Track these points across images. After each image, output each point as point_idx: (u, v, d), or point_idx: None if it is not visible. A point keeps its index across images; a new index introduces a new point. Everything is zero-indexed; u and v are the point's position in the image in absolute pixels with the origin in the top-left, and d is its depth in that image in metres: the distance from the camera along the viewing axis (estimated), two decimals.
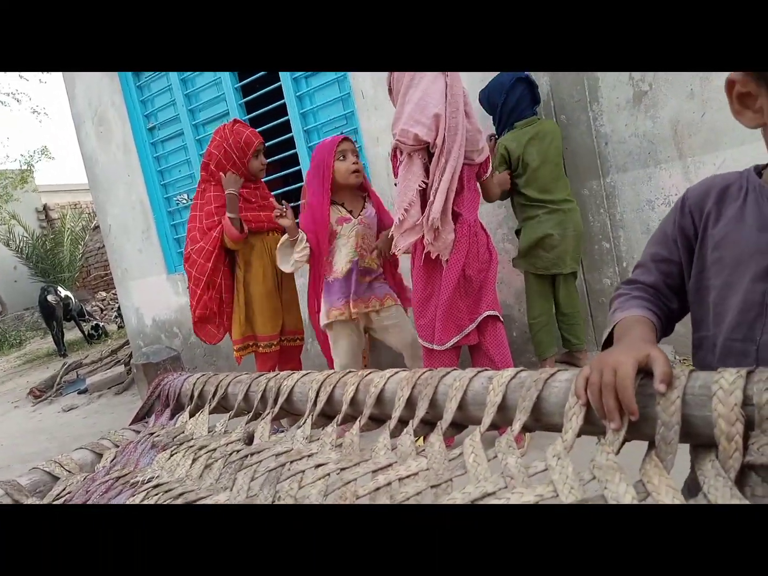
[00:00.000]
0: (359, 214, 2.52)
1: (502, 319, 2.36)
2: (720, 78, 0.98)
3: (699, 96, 2.43)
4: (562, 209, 2.55)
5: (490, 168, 2.33)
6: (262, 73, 3.73)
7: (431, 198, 2.10)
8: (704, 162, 2.47)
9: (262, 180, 2.86)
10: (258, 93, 3.80)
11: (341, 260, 2.49)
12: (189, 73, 4.12)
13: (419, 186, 2.10)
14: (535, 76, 2.79)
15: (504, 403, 0.67)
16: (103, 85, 4.53)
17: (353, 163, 2.45)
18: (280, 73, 3.65)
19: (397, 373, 0.84)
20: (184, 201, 4.28)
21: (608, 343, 0.80)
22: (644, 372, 0.59)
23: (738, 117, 0.70)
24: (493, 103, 2.64)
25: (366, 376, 0.87)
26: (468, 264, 2.20)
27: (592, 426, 0.60)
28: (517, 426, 0.64)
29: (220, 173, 2.63)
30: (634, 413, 0.55)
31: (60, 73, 5.06)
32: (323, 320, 2.54)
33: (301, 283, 3.04)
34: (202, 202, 2.69)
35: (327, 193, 2.45)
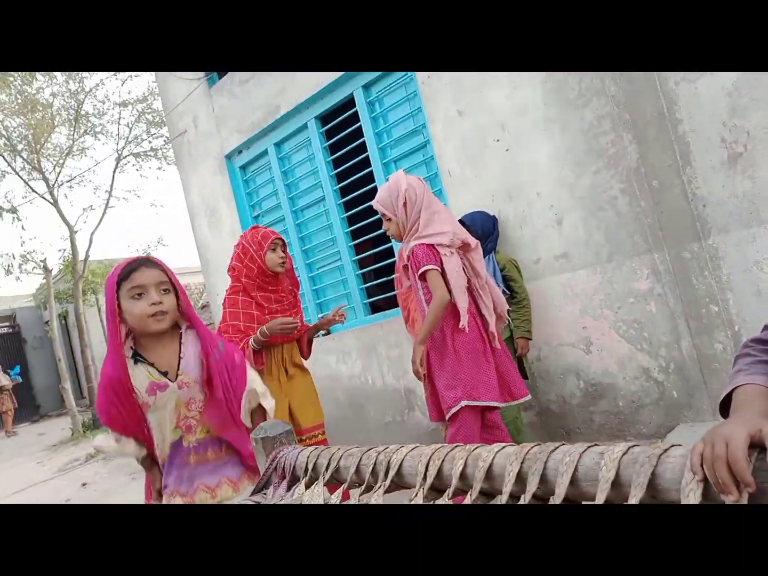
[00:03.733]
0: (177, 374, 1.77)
1: None
2: None
3: None
4: None
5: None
6: (356, 159, 4.01)
7: (487, 291, 2.49)
8: None
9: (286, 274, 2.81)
10: (351, 179, 4.07)
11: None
12: (289, 164, 4.50)
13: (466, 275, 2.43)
14: (621, 144, 2.82)
15: (617, 479, 0.68)
16: (215, 181, 5.03)
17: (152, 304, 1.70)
18: (371, 158, 3.90)
19: (504, 448, 0.86)
20: None
21: (724, 403, 0.78)
22: (761, 447, 0.59)
23: None
24: (487, 230, 3.17)
25: (474, 450, 0.90)
26: None
27: (709, 501, 0.60)
28: (633, 502, 0.64)
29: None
30: (750, 485, 0.55)
31: (176, 170, 5.68)
32: None
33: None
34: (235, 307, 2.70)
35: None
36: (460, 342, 2.36)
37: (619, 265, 2.94)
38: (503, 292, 3.03)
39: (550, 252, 3.18)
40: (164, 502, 1.75)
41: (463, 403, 2.29)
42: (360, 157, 4.01)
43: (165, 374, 1.74)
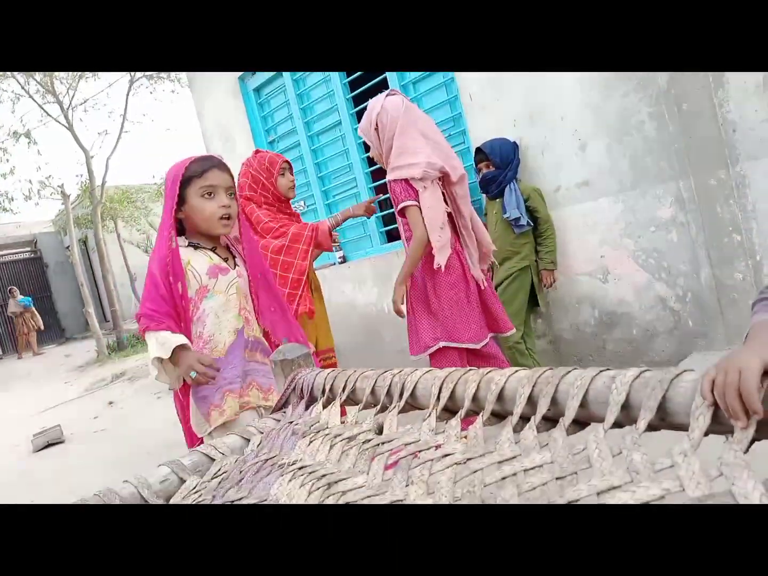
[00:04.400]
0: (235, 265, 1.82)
1: None
2: None
3: None
4: None
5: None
6: (372, 82, 3.87)
7: (470, 229, 2.40)
8: None
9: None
10: (367, 103, 3.94)
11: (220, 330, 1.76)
12: (304, 86, 4.37)
13: (446, 209, 2.27)
14: None
15: (627, 402, 0.69)
16: (228, 104, 4.92)
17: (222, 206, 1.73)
18: (389, 80, 3.76)
19: (516, 371, 0.88)
20: (302, 208, 4.54)
21: None
22: None
23: None
24: (506, 158, 3.06)
25: (487, 373, 0.92)
26: None
27: (719, 425, 0.61)
28: (642, 424, 0.66)
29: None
30: (757, 412, 0.56)
31: (189, 93, 5.55)
32: (202, 429, 1.73)
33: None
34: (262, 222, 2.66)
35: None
36: (440, 281, 2.32)
37: (642, 193, 2.87)
38: (528, 223, 2.99)
39: (572, 180, 3.10)
40: (212, 407, 1.70)
41: (441, 343, 2.33)
42: (377, 79, 3.86)
43: (225, 260, 1.78)
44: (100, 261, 11.19)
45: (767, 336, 0.72)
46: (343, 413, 1.10)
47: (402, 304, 2.38)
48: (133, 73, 11.41)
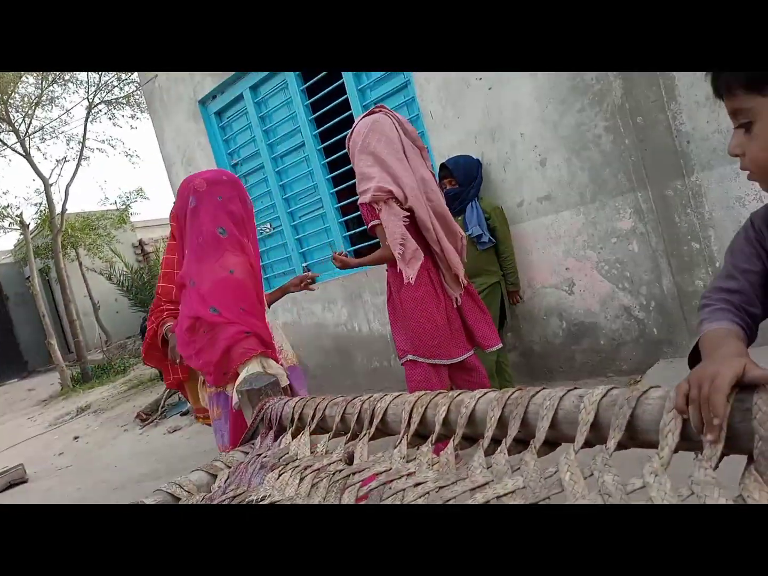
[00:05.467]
0: None
1: None
2: None
3: None
4: None
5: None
6: (335, 102, 3.88)
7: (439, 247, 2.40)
8: None
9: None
10: (331, 123, 3.95)
11: None
12: (266, 109, 4.36)
13: (404, 221, 2.32)
14: (606, 80, 2.75)
15: (597, 421, 0.68)
16: (189, 128, 4.87)
17: None
18: (351, 101, 3.78)
19: (486, 393, 0.87)
20: (268, 230, 4.50)
21: (694, 354, 0.80)
22: (740, 386, 0.59)
23: None
24: (469, 175, 3.10)
25: (456, 397, 0.91)
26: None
27: (688, 442, 0.60)
28: (611, 444, 0.65)
29: None
30: (717, 416, 0.55)
31: (149, 119, 5.48)
32: None
33: None
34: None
35: None
36: (406, 296, 2.36)
37: (602, 205, 2.93)
38: (489, 240, 3.01)
39: (534, 194, 3.15)
40: None
41: (409, 357, 2.38)
42: (339, 100, 3.88)
43: None
44: (62, 291, 10.90)
45: (730, 348, 0.73)
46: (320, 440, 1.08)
47: (340, 265, 2.50)
48: (91, 99, 11.25)
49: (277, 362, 1.74)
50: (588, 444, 0.70)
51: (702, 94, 2.51)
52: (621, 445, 0.67)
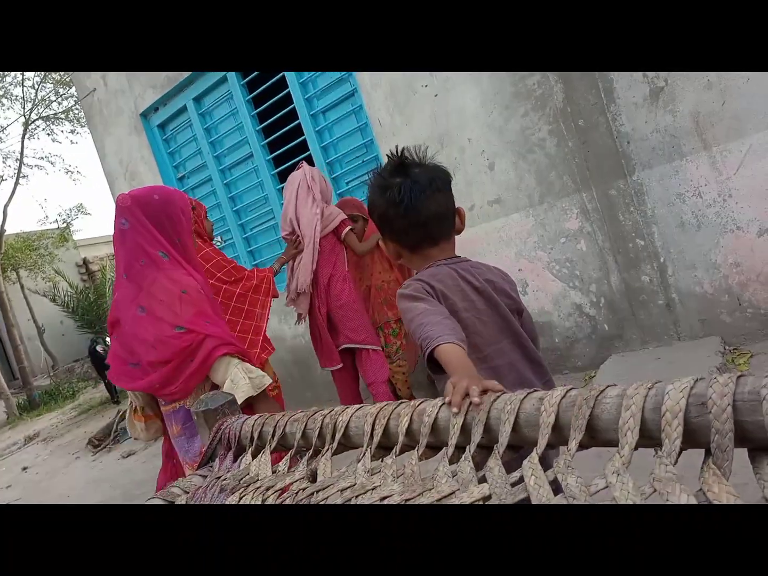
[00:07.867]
0: None
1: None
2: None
3: (717, 86, 2.41)
4: None
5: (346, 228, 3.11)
6: (282, 112, 3.85)
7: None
8: (730, 150, 2.44)
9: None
10: (279, 133, 3.91)
11: None
12: (211, 120, 4.28)
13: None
14: (547, 84, 2.82)
15: (558, 423, 0.69)
16: (131, 142, 4.73)
17: None
18: (298, 110, 3.76)
19: None
20: (219, 243, 4.41)
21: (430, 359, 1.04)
22: (695, 381, 0.60)
23: None
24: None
25: (418, 405, 0.90)
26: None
27: (647, 440, 0.61)
28: (573, 445, 0.65)
29: None
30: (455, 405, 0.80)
31: (89, 134, 5.30)
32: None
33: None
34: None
35: None
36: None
37: (550, 207, 2.99)
38: None
39: (484, 198, 3.19)
40: None
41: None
42: (286, 110, 3.85)
43: None
44: (4, 315, 10.40)
45: (466, 367, 0.98)
46: (279, 458, 1.05)
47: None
48: (28, 115, 10.82)
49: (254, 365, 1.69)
50: (550, 445, 0.71)
51: (639, 95, 2.61)
52: (581, 446, 0.68)
